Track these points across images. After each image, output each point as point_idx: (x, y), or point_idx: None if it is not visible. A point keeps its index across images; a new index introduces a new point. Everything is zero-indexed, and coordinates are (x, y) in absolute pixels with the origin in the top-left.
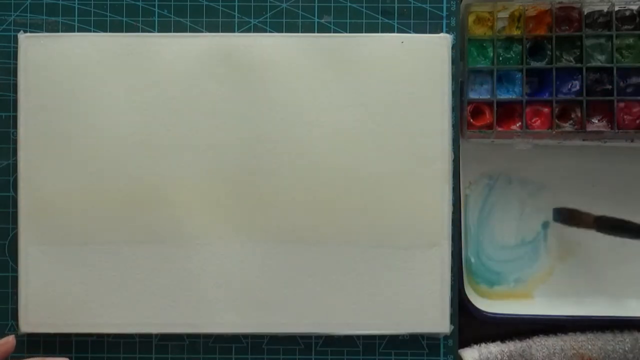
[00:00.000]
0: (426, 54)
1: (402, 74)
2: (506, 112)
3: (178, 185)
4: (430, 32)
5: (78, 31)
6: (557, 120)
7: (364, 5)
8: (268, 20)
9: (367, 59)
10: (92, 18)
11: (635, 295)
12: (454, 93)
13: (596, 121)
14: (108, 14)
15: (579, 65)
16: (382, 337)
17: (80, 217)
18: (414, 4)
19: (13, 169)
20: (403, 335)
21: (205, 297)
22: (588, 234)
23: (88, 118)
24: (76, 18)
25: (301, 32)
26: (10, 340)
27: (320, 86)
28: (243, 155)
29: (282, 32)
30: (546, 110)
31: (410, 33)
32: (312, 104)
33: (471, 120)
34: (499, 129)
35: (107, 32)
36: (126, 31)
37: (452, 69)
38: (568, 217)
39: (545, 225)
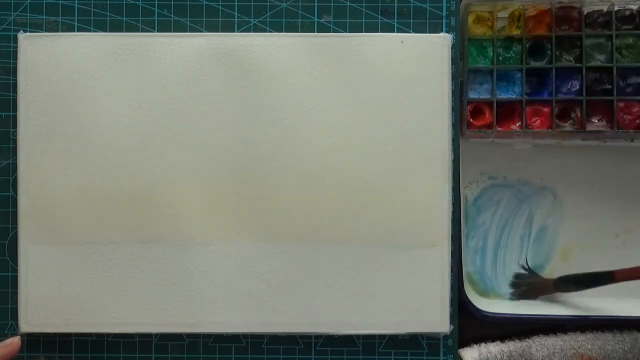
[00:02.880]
0: (426, 54)
1: (402, 74)
2: (506, 112)
3: (178, 185)
4: (430, 32)
5: (78, 31)
6: (557, 120)
7: (364, 5)
8: (268, 20)
9: (367, 59)
10: (92, 18)
11: (635, 295)
12: (454, 93)
13: (596, 121)
14: (108, 14)
15: (579, 65)
16: (382, 337)
17: (80, 217)
18: (414, 4)
19: (13, 169)
20: (403, 335)
21: (205, 297)
22: (589, 234)
23: (88, 118)
24: (76, 18)
25: (301, 32)
26: (15, 341)
27: (320, 86)
28: (243, 155)
29: (282, 32)
30: (546, 110)
31: (410, 33)
32: (312, 104)
33: (471, 120)
34: (499, 129)
35: (107, 32)
36: (126, 31)
37: (452, 69)
38: (527, 290)
39: (545, 225)
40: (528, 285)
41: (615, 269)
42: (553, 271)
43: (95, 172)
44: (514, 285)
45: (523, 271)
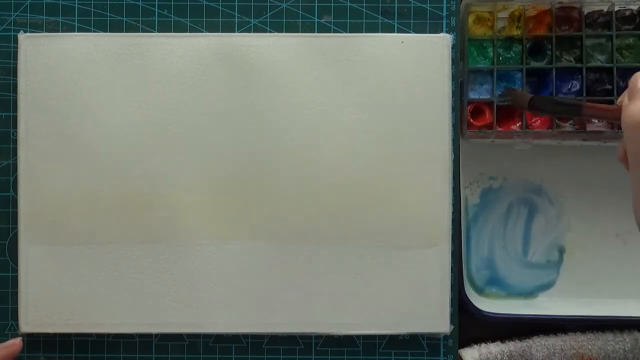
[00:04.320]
0: (426, 54)
1: (402, 74)
2: (506, 112)
3: (178, 185)
4: (430, 32)
5: (78, 31)
6: (557, 120)
7: (364, 5)
8: (268, 20)
9: (367, 59)
10: (92, 18)
11: (635, 295)
12: (454, 93)
13: (596, 121)
14: (108, 14)
15: (579, 65)
16: (382, 337)
17: (80, 217)
18: (414, 4)
19: (13, 169)
20: (403, 335)
21: (205, 297)
22: (589, 234)
23: (88, 118)
24: (76, 18)
25: (301, 32)
26: (17, 342)
27: (320, 86)
28: (243, 155)
29: (282, 32)
30: None
31: (410, 33)
32: (312, 104)
33: (471, 120)
34: (499, 129)
35: (107, 32)
36: (126, 31)
37: (452, 69)
38: (506, 95)
39: (545, 225)
40: (511, 94)
41: (616, 267)
42: (552, 271)
43: (95, 172)
44: (503, 93)
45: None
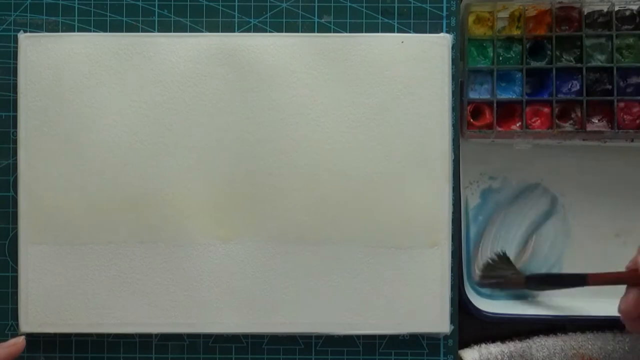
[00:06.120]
0: (426, 54)
1: (402, 74)
2: (506, 112)
3: (178, 185)
4: (430, 32)
5: (78, 31)
6: (557, 120)
7: (364, 5)
8: (268, 20)
9: (367, 59)
10: (92, 18)
11: None
12: (454, 93)
13: (596, 121)
14: (108, 14)
15: (579, 65)
16: (382, 337)
17: (80, 217)
18: (414, 4)
19: (13, 169)
20: (403, 335)
21: (205, 297)
22: (589, 234)
23: (88, 118)
24: (76, 18)
25: (301, 32)
26: (19, 341)
27: (320, 86)
28: (243, 155)
29: (282, 32)
30: (546, 110)
31: (410, 33)
32: (312, 104)
33: (471, 120)
34: (499, 129)
35: (107, 32)
36: (126, 31)
37: (452, 69)
38: (497, 282)
39: (545, 225)
40: (499, 277)
41: (616, 267)
42: (552, 270)
43: (95, 172)
44: (483, 275)
45: (495, 259)
